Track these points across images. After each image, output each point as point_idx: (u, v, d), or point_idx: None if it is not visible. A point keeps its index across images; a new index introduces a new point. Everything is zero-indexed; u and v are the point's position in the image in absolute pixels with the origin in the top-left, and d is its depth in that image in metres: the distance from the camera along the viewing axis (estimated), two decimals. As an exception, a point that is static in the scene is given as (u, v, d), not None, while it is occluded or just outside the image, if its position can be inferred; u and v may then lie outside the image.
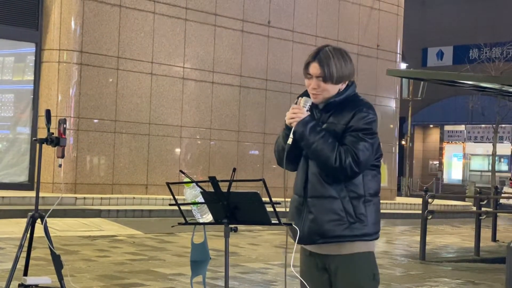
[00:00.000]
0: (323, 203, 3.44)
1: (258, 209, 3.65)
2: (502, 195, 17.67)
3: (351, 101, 3.46)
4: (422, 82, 27.76)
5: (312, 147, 3.40)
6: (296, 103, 3.51)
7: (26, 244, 5.24)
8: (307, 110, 3.45)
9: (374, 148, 3.43)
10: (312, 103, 3.51)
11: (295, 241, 3.57)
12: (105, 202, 13.73)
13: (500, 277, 9.00)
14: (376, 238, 3.51)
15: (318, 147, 3.37)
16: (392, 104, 21.05)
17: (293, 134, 3.44)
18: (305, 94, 3.56)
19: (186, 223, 3.93)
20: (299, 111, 3.44)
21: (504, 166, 39.96)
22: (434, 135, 43.23)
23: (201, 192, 3.81)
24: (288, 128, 3.49)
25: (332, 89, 3.46)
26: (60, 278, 5.24)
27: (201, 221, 3.93)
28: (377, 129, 3.47)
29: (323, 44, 3.57)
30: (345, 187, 3.41)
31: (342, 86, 3.48)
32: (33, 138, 5.65)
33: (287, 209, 3.77)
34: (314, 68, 3.48)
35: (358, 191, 3.43)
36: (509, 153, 38.87)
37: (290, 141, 3.45)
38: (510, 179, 19.65)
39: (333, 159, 3.33)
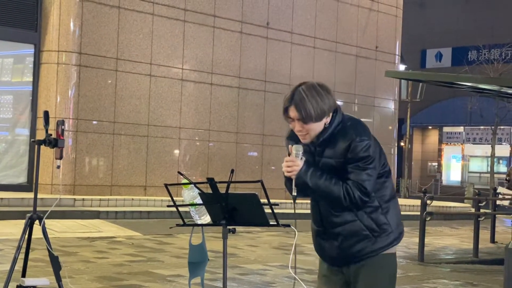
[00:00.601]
0: (344, 228, 3.48)
1: (256, 211, 3.65)
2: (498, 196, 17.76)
3: (341, 131, 3.45)
4: (420, 84, 27.77)
5: (318, 192, 3.45)
6: (289, 153, 3.53)
7: (24, 246, 5.23)
8: (300, 158, 3.45)
9: (377, 169, 3.43)
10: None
11: (329, 264, 3.58)
12: (104, 204, 13.72)
13: (499, 278, 9.00)
14: (401, 239, 3.55)
15: (324, 191, 3.41)
16: (391, 106, 21.05)
17: (296, 186, 3.46)
18: (292, 133, 3.59)
19: (185, 224, 3.93)
20: (293, 164, 3.46)
21: (502, 168, 39.96)
22: (433, 136, 43.23)
23: (199, 194, 3.81)
24: (288, 179, 3.51)
25: (317, 127, 3.45)
26: (59, 279, 5.24)
27: (199, 222, 3.93)
28: (375, 149, 3.43)
29: (297, 84, 3.51)
30: (358, 210, 3.46)
31: (327, 120, 3.46)
32: (32, 140, 5.65)
33: (290, 211, 3.78)
34: (292, 111, 3.47)
35: (373, 204, 3.46)
36: (508, 155, 38.88)
37: (294, 192, 3.49)
38: (506, 179, 19.67)
39: (342, 199, 3.38)
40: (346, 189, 3.37)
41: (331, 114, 3.46)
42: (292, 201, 3.49)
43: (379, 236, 3.44)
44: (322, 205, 3.53)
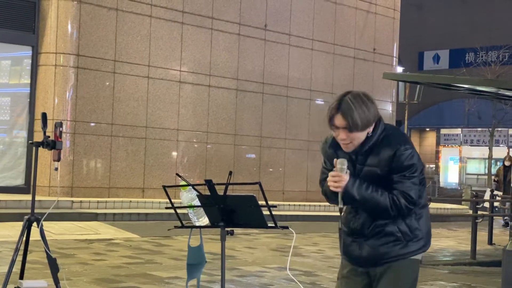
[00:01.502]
0: (378, 229, 3.52)
1: (255, 212, 3.66)
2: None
3: (384, 140, 3.50)
4: (418, 86, 27.77)
5: (366, 205, 3.47)
6: (323, 149, 3.60)
7: (22, 248, 5.23)
8: (345, 172, 3.46)
9: (420, 176, 3.49)
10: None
11: (355, 265, 3.61)
12: (102, 206, 13.71)
13: (496, 280, 9.01)
14: (429, 246, 3.65)
15: (371, 202, 3.44)
16: (389, 108, 21.07)
17: (342, 200, 3.48)
18: (332, 142, 3.60)
19: (183, 226, 3.94)
20: (339, 179, 3.45)
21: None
22: (431, 138, 43.28)
23: (197, 195, 3.82)
24: (334, 192, 3.50)
25: (361, 135, 3.49)
26: (56, 281, 5.23)
27: (197, 224, 3.94)
28: (418, 158, 3.50)
29: (343, 93, 3.54)
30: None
31: (370, 129, 3.50)
32: (29, 142, 5.64)
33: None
34: (338, 120, 3.48)
35: None
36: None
37: (341, 204, 3.50)
38: (494, 180, 19.61)
39: (390, 210, 3.43)
40: (393, 199, 3.42)
41: (373, 123, 3.51)
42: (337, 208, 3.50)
43: (411, 240, 3.51)
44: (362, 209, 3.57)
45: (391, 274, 3.53)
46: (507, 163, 18.45)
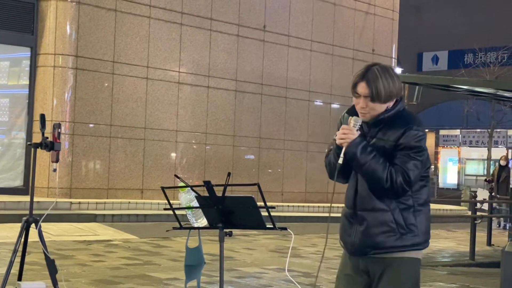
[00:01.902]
0: (374, 215, 3.48)
1: (253, 214, 3.66)
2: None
3: (400, 117, 3.51)
4: (417, 87, 27.78)
5: (364, 168, 3.44)
6: (340, 122, 3.57)
7: (20, 249, 5.23)
8: (357, 130, 3.48)
9: (423, 164, 3.48)
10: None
11: (348, 253, 3.59)
12: (100, 207, 13.70)
13: (495, 281, 9.01)
14: (426, 247, 3.58)
15: (369, 168, 3.42)
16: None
17: (344, 155, 3.48)
18: (352, 109, 3.59)
19: (181, 227, 3.94)
20: (349, 132, 3.47)
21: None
22: (429, 139, 43.26)
23: (196, 197, 3.82)
24: (338, 147, 3.51)
25: (380, 108, 3.50)
26: (55, 283, 5.23)
27: (196, 225, 3.94)
28: (426, 145, 3.51)
29: (371, 63, 3.58)
30: (395, 199, 3.47)
31: (390, 104, 3.51)
32: (28, 143, 5.65)
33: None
34: (362, 87, 3.49)
35: (408, 202, 3.48)
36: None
37: (341, 161, 3.49)
38: (485, 180, 19.46)
39: (384, 180, 3.40)
40: (391, 172, 3.39)
41: (394, 100, 3.52)
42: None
43: (405, 234, 3.47)
44: (361, 185, 3.53)
45: (391, 274, 3.51)
46: (502, 163, 18.32)
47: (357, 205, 3.54)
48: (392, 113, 3.51)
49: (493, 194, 17.70)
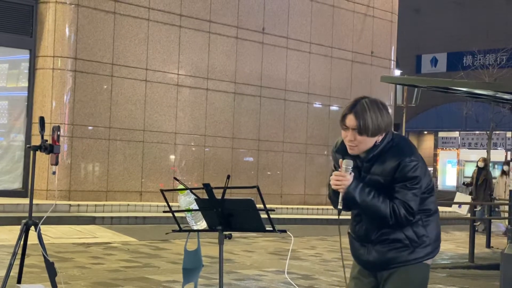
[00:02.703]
0: (385, 236, 3.52)
1: (252, 216, 3.66)
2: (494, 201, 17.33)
3: (391, 149, 3.50)
4: (416, 89, 27.80)
5: (366, 209, 3.47)
6: (337, 166, 3.54)
7: (19, 252, 5.22)
8: (350, 173, 3.47)
9: (422, 188, 3.49)
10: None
11: (363, 267, 3.61)
12: (99, 209, 13.69)
13: (494, 283, 9.01)
14: (437, 253, 3.62)
15: (371, 208, 3.44)
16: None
17: (343, 200, 3.49)
18: (342, 145, 3.58)
19: (180, 230, 3.93)
20: (343, 178, 3.46)
21: (498, 173, 39.93)
22: (429, 141, 43.29)
23: (195, 199, 3.81)
24: (335, 192, 3.52)
25: (369, 142, 3.49)
26: (54, 285, 5.22)
27: (195, 228, 3.93)
28: (422, 170, 3.49)
29: (360, 96, 3.57)
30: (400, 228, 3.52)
31: (379, 138, 3.51)
32: (27, 145, 5.64)
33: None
34: (350, 120, 3.48)
35: (416, 217, 3.51)
36: (503, 160, 38.94)
37: (340, 206, 3.51)
38: (464, 183, 18.93)
39: (388, 217, 3.43)
40: (393, 207, 3.42)
41: (384, 133, 3.51)
42: (336, 209, 3.50)
43: (418, 247, 3.51)
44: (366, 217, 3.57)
45: (397, 276, 3.53)
46: (480, 165, 17.62)
47: (363, 230, 3.60)
48: (381, 148, 3.50)
49: (472, 197, 17.09)
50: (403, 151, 3.48)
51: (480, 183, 17.21)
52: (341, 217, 3.58)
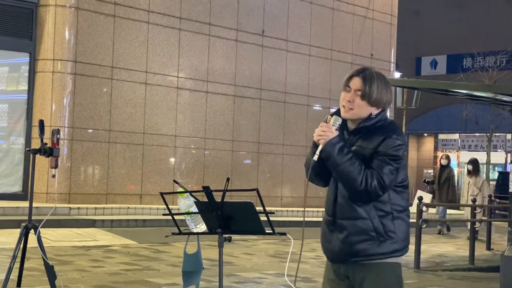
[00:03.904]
0: (354, 224, 3.47)
1: (252, 219, 3.66)
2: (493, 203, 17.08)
3: (381, 127, 3.49)
4: (416, 91, 27.81)
5: (339, 168, 3.42)
6: (326, 121, 3.52)
7: (19, 255, 5.22)
8: (336, 129, 3.46)
9: (400, 172, 3.46)
10: (343, 122, 3.52)
11: (329, 260, 3.60)
12: (99, 212, 13.69)
13: (495, 286, 9.00)
14: (405, 252, 3.55)
15: (344, 169, 3.40)
16: (386, 113, 21.07)
17: (320, 152, 3.46)
18: (337, 113, 3.56)
19: (180, 233, 3.93)
20: (328, 130, 3.44)
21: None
22: (428, 143, 43.29)
23: (195, 202, 3.81)
24: (315, 145, 3.49)
25: (365, 109, 3.49)
26: (54, 288, 5.22)
27: (195, 231, 3.93)
28: (403, 155, 3.50)
29: (369, 67, 3.59)
30: (374, 206, 3.45)
31: (374, 112, 3.51)
32: (27, 149, 5.64)
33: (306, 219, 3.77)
34: (356, 81, 3.49)
35: (386, 209, 3.47)
36: (503, 162, 38.94)
37: (316, 157, 3.48)
38: (425, 181, 18.05)
39: (359, 182, 3.37)
40: (366, 174, 3.37)
41: (380, 110, 3.52)
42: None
43: (384, 241, 3.45)
44: (341, 193, 3.51)
45: (372, 280, 3.49)
46: (443, 162, 16.84)
47: (337, 213, 3.53)
48: (373, 122, 3.50)
49: (433, 197, 16.48)
50: (392, 129, 3.49)
51: (443, 182, 16.46)
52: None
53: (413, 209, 11.36)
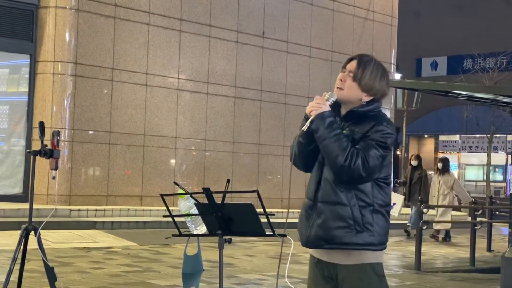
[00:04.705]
0: (333, 209, 3.45)
1: (252, 220, 3.65)
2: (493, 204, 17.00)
3: (372, 116, 3.51)
4: (416, 93, 27.82)
5: (325, 141, 3.42)
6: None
7: (19, 257, 5.22)
8: (330, 104, 3.50)
9: (385, 161, 3.46)
10: (337, 109, 3.56)
11: (302, 244, 3.56)
12: (100, 214, 13.69)
13: (496, 287, 9.00)
14: (382, 249, 3.51)
15: (331, 143, 3.40)
16: (387, 114, 21.07)
17: (310, 123, 3.48)
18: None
19: (181, 234, 3.93)
20: (321, 103, 3.51)
21: (498, 176, 40.02)
22: (429, 145, 43.30)
23: (195, 204, 3.81)
24: (306, 117, 3.55)
25: (355, 91, 3.52)
26: (54, 290, 5.21)
27: (195, 232, 3.93)
28: (391, 147, 3.50)
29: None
30: (355, 195, 3.44)
31: (365, 98, 3.52)
32: (27, 150, 5.65)
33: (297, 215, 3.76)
34: (353, 63, 3.56)
35: (367, 200, 3.45)
36: (504, 163, 38.96)
37: (305, 128, 3.51)
38: (397, 181, 17.62)
39: (343, 157, 3.35)
40: (352, 151, 3.36)
41: (371, 98, 3.52)
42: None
43: (361, 232, 3.41)
44: (325, 178, 3.49)
45: (352, 280, 3.46)
46: (414, 163, 16.32)
47: (318, 197, 3.51)
48: (365, 110, 3.51)
49: (405, 198, 16.07)
50: (383, 118, 3.51)
51: (415, 182, 15.98)
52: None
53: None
